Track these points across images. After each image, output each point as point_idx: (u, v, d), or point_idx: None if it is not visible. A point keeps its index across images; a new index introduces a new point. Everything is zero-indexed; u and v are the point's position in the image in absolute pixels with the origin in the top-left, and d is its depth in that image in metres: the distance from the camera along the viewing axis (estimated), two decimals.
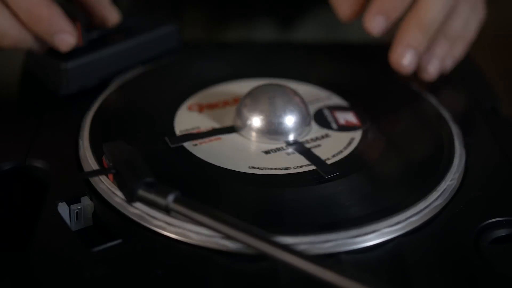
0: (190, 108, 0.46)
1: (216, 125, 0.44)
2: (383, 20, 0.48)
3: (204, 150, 0.42)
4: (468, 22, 0.50)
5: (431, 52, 0.49)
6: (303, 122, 0.43)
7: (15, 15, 0.45)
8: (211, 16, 0.70)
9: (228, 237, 0.34)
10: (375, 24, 0.48)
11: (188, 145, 0.42)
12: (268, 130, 0.43)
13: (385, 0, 0.48)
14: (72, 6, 0.49)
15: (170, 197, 0.35)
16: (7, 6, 0.45)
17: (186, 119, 0.45)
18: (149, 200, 0.36)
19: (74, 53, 0.47)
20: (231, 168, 0.40)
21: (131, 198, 0.36)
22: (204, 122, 0.45)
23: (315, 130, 0.44)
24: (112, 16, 0.49)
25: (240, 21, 0.70)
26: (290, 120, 0.43)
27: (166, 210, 0.35)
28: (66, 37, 0.46)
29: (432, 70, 0.49)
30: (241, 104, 0.44)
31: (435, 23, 0.48)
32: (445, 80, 0.51)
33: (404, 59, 0.48)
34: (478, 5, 0.52)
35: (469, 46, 0.51)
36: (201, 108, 0.46)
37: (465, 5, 0.50)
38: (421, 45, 0.48)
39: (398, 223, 0.37)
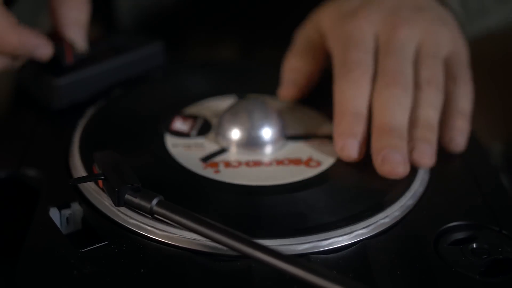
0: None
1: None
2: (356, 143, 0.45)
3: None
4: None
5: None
6: (280, 136, 0.46)
7: None
8: (209, 36, 0.72)
9: (206, 238, 0.37)
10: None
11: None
12: (246, 142, 0.46)
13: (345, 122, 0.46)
14: None
15: (154, 201, 0.38)
16: None
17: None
18: (134, 204, 0.39)
19: (65, 70, 0.50)
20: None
21: (118, 202, 0.39)
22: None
23: (292, 144, 0.47)
24: (78, 48, 0.52)
25: (240, 41, 0.72)
26: (265, 133, 0.46)
27: (150, 214, 0.38)
28: (42, 50, 0.49)
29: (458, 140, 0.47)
30: (221, 117, 0.47)
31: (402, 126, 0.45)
32: None
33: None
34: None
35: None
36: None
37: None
38: (397, 145, 0.44)
39: (364, 227, 0.40)
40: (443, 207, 0.42)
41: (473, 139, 0.49)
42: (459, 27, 0.52)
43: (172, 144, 0.46)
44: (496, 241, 0.40)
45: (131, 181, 0.39)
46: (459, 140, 0.47)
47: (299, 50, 0.53)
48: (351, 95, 0.46)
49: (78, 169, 0.43)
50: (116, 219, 0.40)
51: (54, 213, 0.41)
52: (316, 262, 0.38)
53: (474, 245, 0.39)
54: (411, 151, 0.45)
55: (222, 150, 0.46)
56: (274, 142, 0.46)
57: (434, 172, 0.45)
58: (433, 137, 0.45)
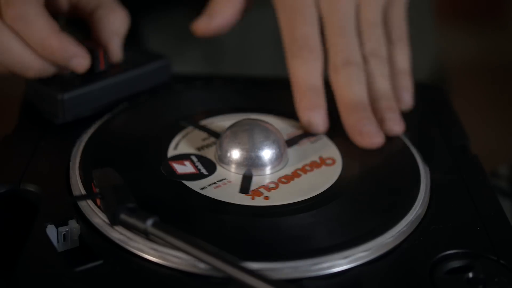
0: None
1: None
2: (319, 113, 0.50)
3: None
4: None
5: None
6: (279, 155, 0.46)
7: (34, 50, 0.49)
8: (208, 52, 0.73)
9: (199, 260, 0.37)
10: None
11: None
12: (262, 162, 0.46)
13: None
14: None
15: (149, 222, 0.38)
16: (27, 43, 0.49)
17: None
18: (130, 224, 0.39)
19: (70, 85, 0.50)
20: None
21: (114, 221, 0.39)
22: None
23: (292, 163, 0.47)
24: (114, 57, 0.54)
25: (240, 57, 0.73)
26: (266, 153, 0.46)
27: (145, 234, 0.38)
28: (80, 60, 0.50)
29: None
30: (221, 138, 0.47)
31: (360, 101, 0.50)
32: (416, 116, 0.54)
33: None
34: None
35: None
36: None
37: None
38: (368, 117, 0.49)
39: (357, 253, 0.39)
40: (441, 234, 0.42)
41: (475, 163, 0.48)
42: None
43: (199, 187, 0.44)
44: (493, 271, 0.39)
45: (127, 200, 0.39)
46: (406, 97, 0.52)
47: None
48: (306, 72, 0.50)
49: (77, 186, 0.44)
50: (111, 238, 0.40)
51: (51, 230, 0.41)
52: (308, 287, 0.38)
53: (471, 275, 0.39)
54: (380, 122, 0.49)
55: (248, 177, 0.45)
56: (285, 153, 0.47)
57: (433, 197, 0.45)
58: (393, 103, 0.51)
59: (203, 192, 0.44)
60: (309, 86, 0.50)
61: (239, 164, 0.46)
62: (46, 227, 0.41)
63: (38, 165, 0.46)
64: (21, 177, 0.45)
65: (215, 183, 0.45)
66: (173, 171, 0.45)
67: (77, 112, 0.51)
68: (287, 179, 0.45)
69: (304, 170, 0.46)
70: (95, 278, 0.38)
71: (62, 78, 0.51)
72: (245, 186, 0.45)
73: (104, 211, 0.40)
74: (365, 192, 0.45)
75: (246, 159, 0.46)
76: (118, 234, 0.40)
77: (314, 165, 0.47)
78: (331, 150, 0.48)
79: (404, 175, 0.46)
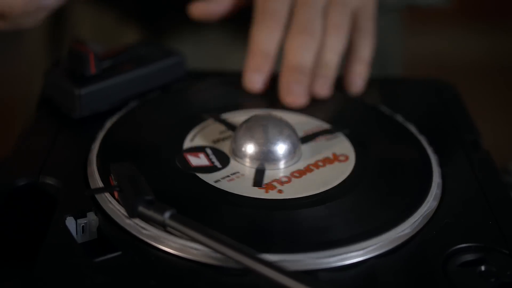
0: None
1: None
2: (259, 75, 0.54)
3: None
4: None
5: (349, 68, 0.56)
6: (292, 150, 0.47)
7: None
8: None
9: (216, 251, 0.38)
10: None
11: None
12: (275, 156, 0.46)
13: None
14: (87, 39, 0.54)
15: (167, 214, 0.39)
16: None
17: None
18: (148, 216, 0.39)
19: (87, 80, 0.51)
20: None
21: (132, 214, 0.40)
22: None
23: (306, 158, 0.48)
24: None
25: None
26: (281, 148, 0.46)
27: (163, 226, 0.39)
28: None
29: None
30: (236, 132, 0.48)
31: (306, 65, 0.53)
32: (427, 111, 0.54)
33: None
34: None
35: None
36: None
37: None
38: (301, 80, 0.53)
39: (372, 245, 0.40)
40: (453, 228, 0.42)
41: (487, 158, 0.49)
42: None
43: (213, 180, 0.45)
44: (505, 264, 0.40)
45: (144, 193, 0.40)
46: (358, 82, 0.56)
47: None
48: (263, 38, 0.54)
49: (95, 179, 0.44)
50: (129, 230, 0.41)
51: (70, 222, 0.42)
52: (324, 279, 0.38)
53: (483, 268, 0.39)
54: (311, 86, 0.53)
55: (260, 171, 0.46)
56: (298, 149, 0.47)
57: (445, 192, 0.45)
58: (329, 73, 0.54)
59: (216, 185, 0.44)
60: (262, 50, 0.54)
61: (252, 158, 0.46)
62: (66, 219, 0.42)
63: (56, 158, 0.47)
64: (40, 170, 0.46)
65: (228, 176, 0.45)
66: (187, 163, 0.46)
67: (93, 107, 0.52)
68: (300, 173, 0.46)
69: (316, 165, 0.47)
70: (114, 269, 0.38)
71: (80, 73, 0.52)
72: (258, 179, 0.45)
73: (122, 203, 0.41)
74: (378, 186, 0.45)
75: (259, 153, 0.46)
76: (135, 226, 0.41)
77: (327, 161, 0.47)
78: (346, 148, 0.49)
79: (417, 169, 0.47)
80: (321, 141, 0.50)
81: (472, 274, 0.39)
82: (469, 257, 0.40)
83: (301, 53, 0.53)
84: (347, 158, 0.48)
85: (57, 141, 0.49)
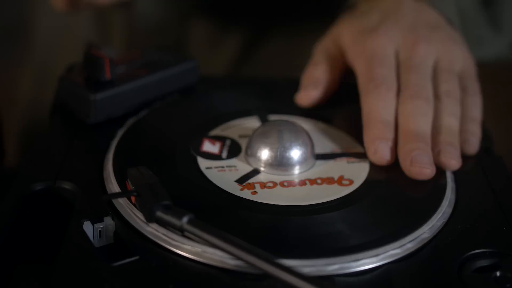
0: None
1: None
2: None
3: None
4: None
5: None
6: (310, 155, 0.47)
7: None
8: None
9: (234, 257, 0.38)
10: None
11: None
12: (275, 162, 0.47)
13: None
14: (101, 44, 0.54)
15: (185, 219, 0.39)
16: None
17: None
18: (165, 221, 0.40)
19: (102, 86, 0.52)
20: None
21: (149, 218, 0.40)
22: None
23: (310, 173, 0.48)
24: None
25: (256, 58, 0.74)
26: (295, 153, 0.47)
27: (181, 231, 0.40)
28: None
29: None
30: (251, 137, 0.48)
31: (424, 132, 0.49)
32: None
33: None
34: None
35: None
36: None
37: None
38: (424, 149, 0.48)
39: (387, 251, 0.40)
40: (468, 234, 0.43)
41: (500, 165, 0.49)
42: (465, 44, 0.56)
43: (205, 166, 0.46)
44: None
45: (162, 198, 0.40)
46: (473, 141, 0.51)
47: (318, 62, 0.57)
48: (380, 107, 0.50)
49: (112, 184, 0.45)
50: (147, 235, 0.41)
51: (87, 227, 0.42)
52: (340, 284, 0.38)
53: (498, 273, 0.40)
54: (437, 154, 0.48)
55: (255, 171, 0.47)
56: (305, 161, 0.47)
57: (459, 198, 0.46)
58: (456, 141, 0.49)
59: (205, 171, 0.46)
60: (382, 119, 0.49)
61: (255, 158, 0.47)
62: (83, 223, 0.42)
63: (73, 163, 0.47)
64: (56, 175, 0.46)
65: (222, 167, 0.46)
66: (199, 147, 0.48)
67: (108, 112, 0.52)
68: (290, 184, 0.46)
69: (313, 181, 0.46)
70: (133, 273, 0.39)
71: (95, 79, 0.52)
72: (244, 177, 0.46)
73: (139, 208, 0.41)
74: (392, 192, 0.46)
75: (260, 155, 0.47)
76: (153, 231, 0.41)
77: (327, 181, 0.47)
78: (359, 173, 0.48)
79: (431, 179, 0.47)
80: (341, 161, 0.49)
81: (487, 279, 0.39)
82: (484, 262, 0.41)
83: (418, 119, 0.49)
84: (351, 182, 0.47)
85: (72, 146, 0.49)
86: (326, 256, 0.39)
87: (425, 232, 0.42)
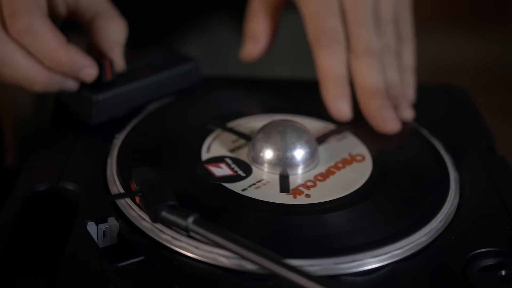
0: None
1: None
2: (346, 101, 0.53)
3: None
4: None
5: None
6: (312, 155, 0.47)
7: (41, 63, 0.49)
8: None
9: (240, 257, 0.38)
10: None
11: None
12: (281, 162, 0.47)
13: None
14: None
15: (190, 219, 0.39)
16: (32, 55, 0.48)
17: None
18: (171, 221, 0.40)
19: (104, 86, 0.51)
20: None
21: (155, 219, 0.40)
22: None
23: (324, 160, 0.48)
24: (118, 67, 0.53)
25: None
26: (301, 153, 0.47)
27: (186, 231, 0.39)
28: (88, 71, 0.50)
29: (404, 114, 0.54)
30: (255, 139, 0.48)
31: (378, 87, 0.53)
32: (442, 117, 0.55)
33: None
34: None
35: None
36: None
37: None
38: (387, 104, 0.53)
39: (392, 251, 0.40)
40: (472, 233, 0.43)
41: (503, 164, 0.49)
42: None
43: (240, 189, 0.45)
44: None
45: (168, 198, 0.40)
46: (409, 92, 0.55)
47: (257, 13, 0.59)
48: (334, 62, 0.53)
49: (115, 184, 0.45)
50: (151, 235, 0.41)
51: (91, 227, 0.42)
52: (346, 283, 0.38)
53: (503, 272, 0.40)
54: (394, 109, 0.52)
55: (284, 177, 0.46)
56: (317, 153, 0.48)
57: (463, 197, 0.46)
58: (403, 93, 0.54)
59: (244, 193, 0.45)
60: (337, 76, 0.53)
61: (273, 164, 0.47)
62: (87, 224, 0.42)
63: (76, 164, 0.47)
64: (59, 176, 0.46)
65: (254, 184, 0.46)
66: (211, 174, 0.46)
67: (110, 112, 0.52)
68: (323, 176, 0.46)
69: (336, 167, 0.48)
70: (138, 274, 0.39)
71: (96, 80, 0.52)
72: (285, 185, 0.46)
73: (144, 209, 0.41)
74: (397, 192, 0.46)
75: (280, 159, 0.47)
76: (157, 231, 0.41)
77: (345, 162, 0.48)
78: (359, 147, 0.50)
79: (434, 175, 0.47)
80: (333, 141, 0.50)
81: (492, 278, 0.39)
82: (489, 261, 0.41)
83: (373, 75, 0.53)
84: (363, 158, 0.48)
85: (75, 146, 0.49)
86: (332, 255, 0.39)
87: (429, 231, 0.42)
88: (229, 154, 0.49)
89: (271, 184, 0.46)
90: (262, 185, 0.46)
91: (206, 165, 0.47)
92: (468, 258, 0.41)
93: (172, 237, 0.40)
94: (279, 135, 0.47)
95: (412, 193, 0.46)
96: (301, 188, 0.45)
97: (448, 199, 0.45)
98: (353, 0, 0.54)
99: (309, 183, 0.46)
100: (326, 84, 0.53)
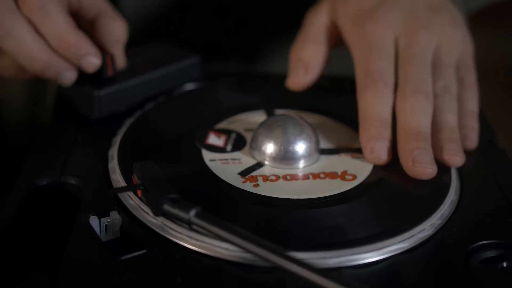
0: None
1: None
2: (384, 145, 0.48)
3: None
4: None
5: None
6: (314, 150, 0.47)
7: (45, 41, 0.49)
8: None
9: (242, 249, 0.38)
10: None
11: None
12: (279, 156, 0.47)
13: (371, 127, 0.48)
14: None
15: (192, 212, 0.39)
16: (39, 33, 0.49)
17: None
18: (173, 214, 0.40)
19: (105, 82, 0.52)
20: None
21: (157, 212, 0.40)
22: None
23: (314, 167, 0.48)
24: (119, 64, 0.54)
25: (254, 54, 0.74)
26: (300, 148, 0.47)
27: (188, 224, 0.40)
28: (92, 59, 0.50)
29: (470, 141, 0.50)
30: (256, 131, 0.48)
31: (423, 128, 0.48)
32: None
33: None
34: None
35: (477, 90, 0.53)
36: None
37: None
38: (425, 147, 0.47)
39: (394, 243, 0.40)
40: (474, 225, 0.43)
41: (503, 157, 0.49)
42: (466, 24, 0.56)
43: (209, 158, 0.47)
44: None
45: (170, 192, 0.40)
46: (472, 136, 0.50)
47: (310, 38, 0.56)
48: (376, 104, 0.49)
49: (117, 178, 0.45)
50: (154, 228, 0.41)
51: (94, 221, 0.42)
52: (348, 276, 0.39)
53: (505, 264, 0.40)
54: (440, 152, 0.47)
55: (259, 165, 0.47)
56: (309, 156, 0.47)
57: (464, 190, 0.46)
58: (457, 136, 0.49)
59: (209, 163, 0.46)
60: (378, 118, 0.48)
61: (259, 151, 0.47)
62: (89, 218, 0.42)
63: (78, 159, 0.47)
64: (61, 170, 0.46)
65: (226, 159, 0.47)
66: (204, 139, 0.48)
67: (111, 108, 0.52)
68: (292, 178, 0.46)
69: (316, 176, 0.46)
70: (141, 267, 0.39)
71: (97, 75, 0.52)
72: (247, 170, 0.46)
73: (146, 202, 0.41)
74: (398, 185, 0.46)
75: (264, 149, 0.47)
76: (160, 224, 0.41)
77: (330, 176, 0.47)
78: (363, 169, 0.47)
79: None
80: (346, 156, 0.49)
81: (494, 270, 0.39)
82: (490, 253, 0.41)
83: (418, 115, 0.48)
84: (354, 178, 0.46)
85: (77, 141, 0.49)
86: (333, 248, 0.39)
87: (431, 224, 0.42)
88: (241, 131, 0.50)
89: (240, 165, 0.47)
90: (232, 163, 0.46)
91: (210, 131, 0.49)
92: (469, 250, 0.41)
93: (175, 230, 0.41)
94: (278, 128, 0.47)
95: (413, 187, 0.46)
96: (259, 178, 0.46)
97: (449, 192, 0.45)
98: (408, 41, 0.52)
99: (272, 177, 0.46)
100: (363, 124, 0.49)
